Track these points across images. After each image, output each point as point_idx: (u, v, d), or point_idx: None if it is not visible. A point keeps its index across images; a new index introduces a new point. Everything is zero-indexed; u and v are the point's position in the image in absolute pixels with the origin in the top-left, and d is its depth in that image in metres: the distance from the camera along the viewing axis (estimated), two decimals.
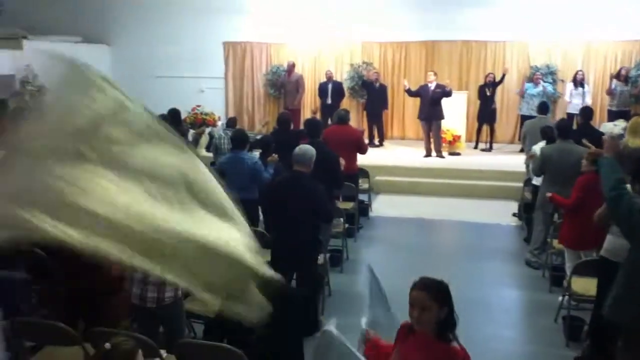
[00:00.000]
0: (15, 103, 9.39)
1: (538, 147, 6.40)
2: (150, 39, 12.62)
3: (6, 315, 3.43)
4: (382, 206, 8.65)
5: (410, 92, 10.59)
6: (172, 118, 7.47)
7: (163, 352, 3.25)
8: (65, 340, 3.35)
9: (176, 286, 3.36)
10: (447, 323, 2.38)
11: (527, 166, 7.29)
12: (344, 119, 7.32)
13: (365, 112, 11.95)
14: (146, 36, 12.67)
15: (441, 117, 10.23)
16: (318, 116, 10.92)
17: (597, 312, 3.87)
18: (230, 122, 8.18)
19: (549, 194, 5.51)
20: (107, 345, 2.24)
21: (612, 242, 3.99)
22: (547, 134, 6.46)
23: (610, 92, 10.21)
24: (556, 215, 6.12)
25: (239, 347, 3.11)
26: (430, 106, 10.15)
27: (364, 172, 7.95)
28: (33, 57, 10.61)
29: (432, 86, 10.24)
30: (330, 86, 11.60)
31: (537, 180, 6.56)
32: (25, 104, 9.89)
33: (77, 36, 12.45)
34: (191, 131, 10.91)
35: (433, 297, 2.37)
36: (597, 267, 4.21)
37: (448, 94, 10.12)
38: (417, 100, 10.58)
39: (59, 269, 4.08)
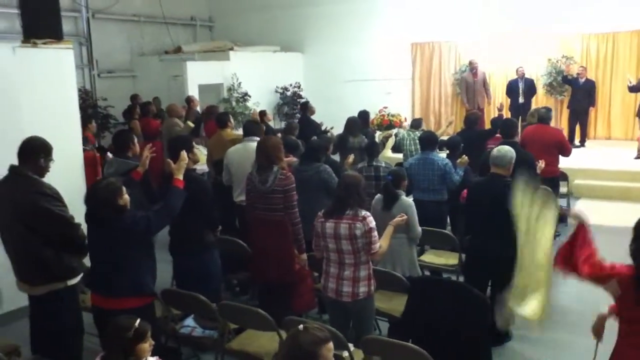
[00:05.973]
0: (224, 109, 10.42)
1: None
2: (340, 45, 13.08)
3: (212, 300, 3.80)
4: (583, 212, 7.85)
5: (632, 89, 9.49)
6: (361, 119, 7.92)
7: (351, 346, 3.32)
8: (263, 325, 3.59)
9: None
10: None
11: None
12: (545, 118, 6.83)
13: (565, 110, 11.04)
14: (336, 42, 13.16)
15: None
16: (504, 114, 10.42)
17: None
18: (415, 123, 8.08)
19: None
20: (300, 327, 2.25)
21: None
22: None
23: None
24: None
25: (424, 349, 3.05)
26: None
27: (562, 175, 7.31)
28: (238, 67, 11.75)
29: None
30: (521, 84, 10.93)
31: None
32: (232, 109, 10.97)
33: (276, 46, 13.44)
34: (378, 132, 11.12)
35: None
36: None
37: None
38: (626, 96, 9.43)
39: (253, 262, 4.46)
